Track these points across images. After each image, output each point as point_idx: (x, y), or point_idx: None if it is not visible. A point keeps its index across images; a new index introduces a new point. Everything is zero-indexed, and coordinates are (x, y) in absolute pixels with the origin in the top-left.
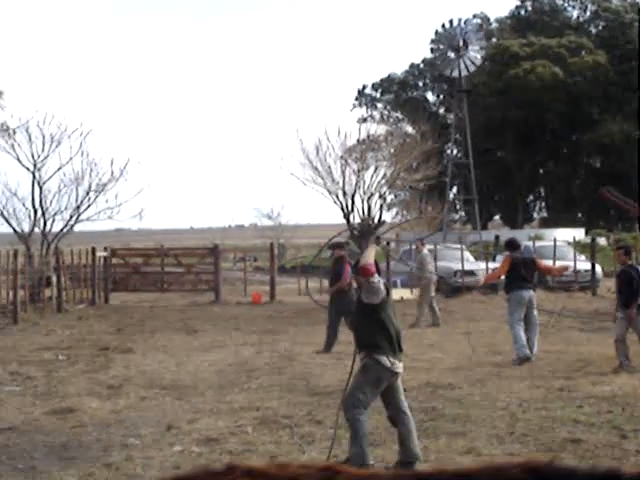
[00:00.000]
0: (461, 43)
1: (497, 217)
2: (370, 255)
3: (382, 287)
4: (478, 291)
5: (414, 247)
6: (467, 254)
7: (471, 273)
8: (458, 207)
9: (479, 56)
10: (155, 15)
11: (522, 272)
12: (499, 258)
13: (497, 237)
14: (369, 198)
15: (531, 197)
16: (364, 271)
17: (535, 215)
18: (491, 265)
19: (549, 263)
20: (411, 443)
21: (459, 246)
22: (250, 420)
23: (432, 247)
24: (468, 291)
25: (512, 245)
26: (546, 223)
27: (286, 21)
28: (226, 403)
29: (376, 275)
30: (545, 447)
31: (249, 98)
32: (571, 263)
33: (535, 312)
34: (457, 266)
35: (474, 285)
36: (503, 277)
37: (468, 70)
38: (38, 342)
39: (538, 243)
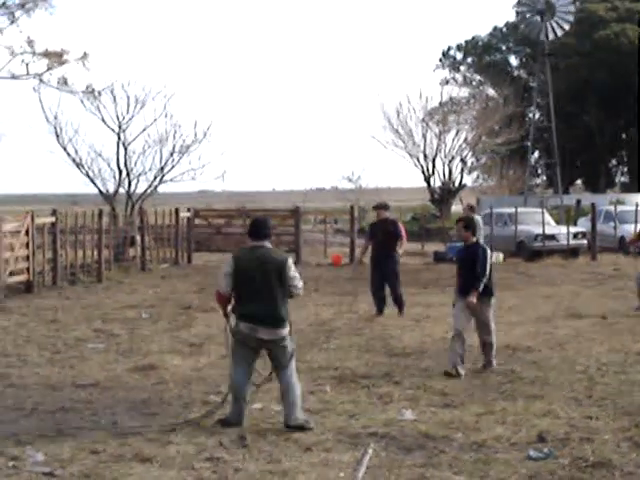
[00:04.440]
0: (545, 7)
1: (579, 181)
2: None
3: (228, 265)
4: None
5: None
6: (548, 218)
7: (552, 237)
8: (540, 171)
9: (566, 21)
10: None
11: None
12: (580, 222)
13: (579, 201)
14: (450, 162)
15: (614, 161)
16: None
17: (617, 180)
18: (572, 229)
19: (631, 227)
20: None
21: (540, 210)
22: (328, 379)
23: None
24: (548, 255)
25: None
26: (628, 188)
27: None
28: (305, 362)
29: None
30: (623, 411)
31: (333, 60)
32: None
33: None
34: (538, 230)
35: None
36: None
37: (555, 34)
38: (122, 300)
39: (620, 208)
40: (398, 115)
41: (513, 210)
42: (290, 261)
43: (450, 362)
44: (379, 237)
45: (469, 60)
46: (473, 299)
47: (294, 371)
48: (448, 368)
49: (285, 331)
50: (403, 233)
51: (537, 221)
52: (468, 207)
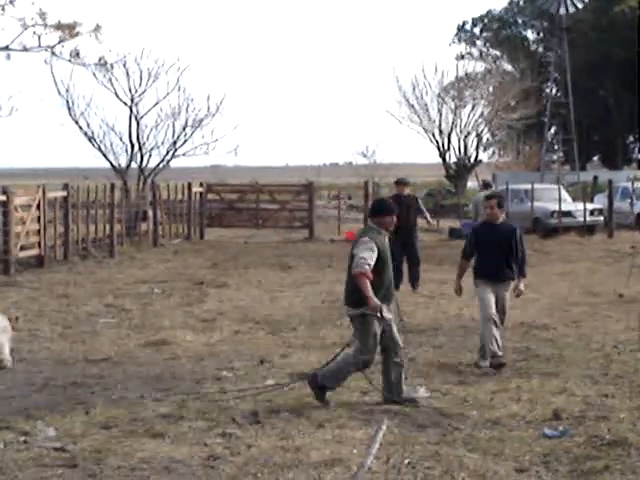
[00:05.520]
0: None
1: (596, 158)
2: None
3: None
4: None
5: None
6: (565, 195)
7: (568, 214)
8: (556, 147)
9: None
10: None
11: None
12: (597, 199)
13: (596, 178)
14: (466, 137)
15: (631, 138)
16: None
17: (634, 156)
18: (589, 206)
19: None
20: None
21: (556, 186)
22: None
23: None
24: (565, 232)
25: None
26: None
27: None
28: (318, 338)
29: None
30: (639, 389)
31: (347, 35)
32: None
33: None
34: (554, 207)
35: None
36: None
37: (575, 6)
38: (134, 275)
39: (637, 184)
40: (413, 90)
41: (529, 186)
42: (361, 239)
43: (489, 352)
44: (402, 212)
45: (485, 34)
46: (523, 287)
47: (354, 354)
48: (490, 360)
49: (353, 311)
50: (424, 208)
51: (553, 198)
52: (483, 184)
